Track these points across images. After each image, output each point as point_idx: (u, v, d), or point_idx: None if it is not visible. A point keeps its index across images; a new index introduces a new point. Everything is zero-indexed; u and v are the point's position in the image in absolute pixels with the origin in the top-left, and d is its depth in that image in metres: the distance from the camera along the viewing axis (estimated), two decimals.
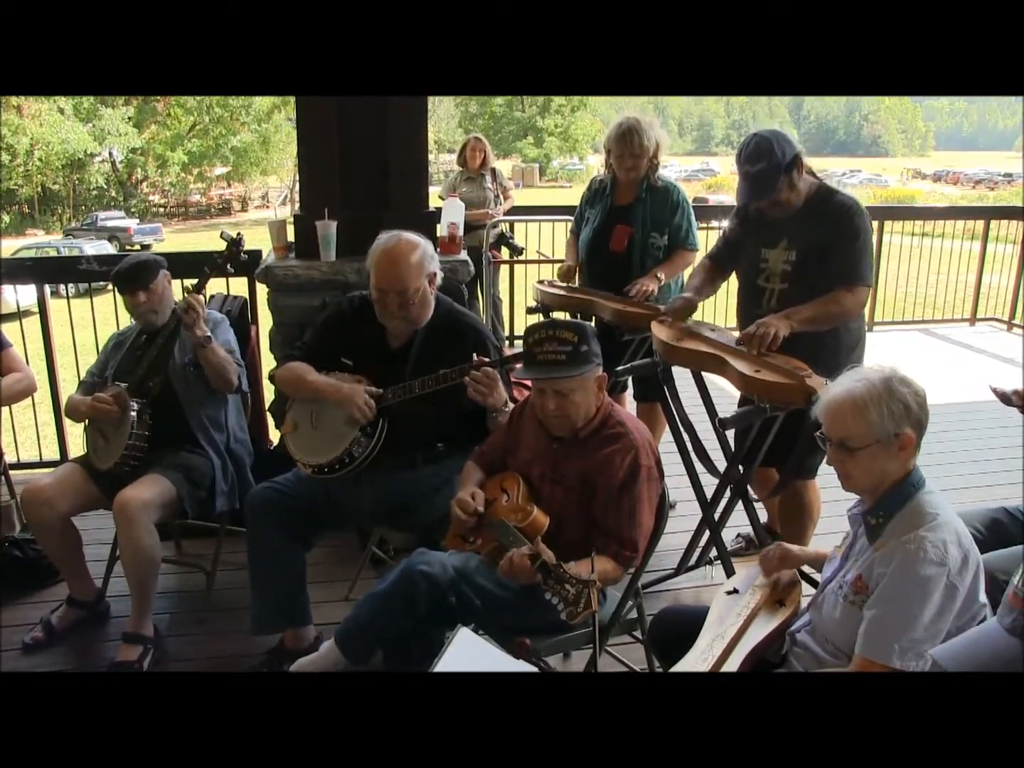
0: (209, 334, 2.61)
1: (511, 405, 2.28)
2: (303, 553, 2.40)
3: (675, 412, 2.72)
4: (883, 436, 1.55)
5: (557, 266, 4.33)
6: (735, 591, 1.88)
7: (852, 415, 1.56)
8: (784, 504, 2.78)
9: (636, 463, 1.97)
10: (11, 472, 3.29)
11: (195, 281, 2.70)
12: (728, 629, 1.73)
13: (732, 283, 2.89)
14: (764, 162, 2.42)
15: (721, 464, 2.66)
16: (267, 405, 2.97)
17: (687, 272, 3.16)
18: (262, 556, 2.35)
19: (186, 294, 2.62)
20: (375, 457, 2.31)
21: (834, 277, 2.46)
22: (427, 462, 2.40)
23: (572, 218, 3.44)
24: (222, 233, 2.80)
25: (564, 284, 3.31)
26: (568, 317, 3.02)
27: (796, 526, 2.73)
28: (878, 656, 1.47)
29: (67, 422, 3.22)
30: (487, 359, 2.25)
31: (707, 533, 2.71)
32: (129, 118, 29.79)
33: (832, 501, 2.66)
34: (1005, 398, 2.28)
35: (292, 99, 8.61)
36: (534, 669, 1.51)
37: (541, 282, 3.46)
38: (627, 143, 3.03)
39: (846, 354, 2.57)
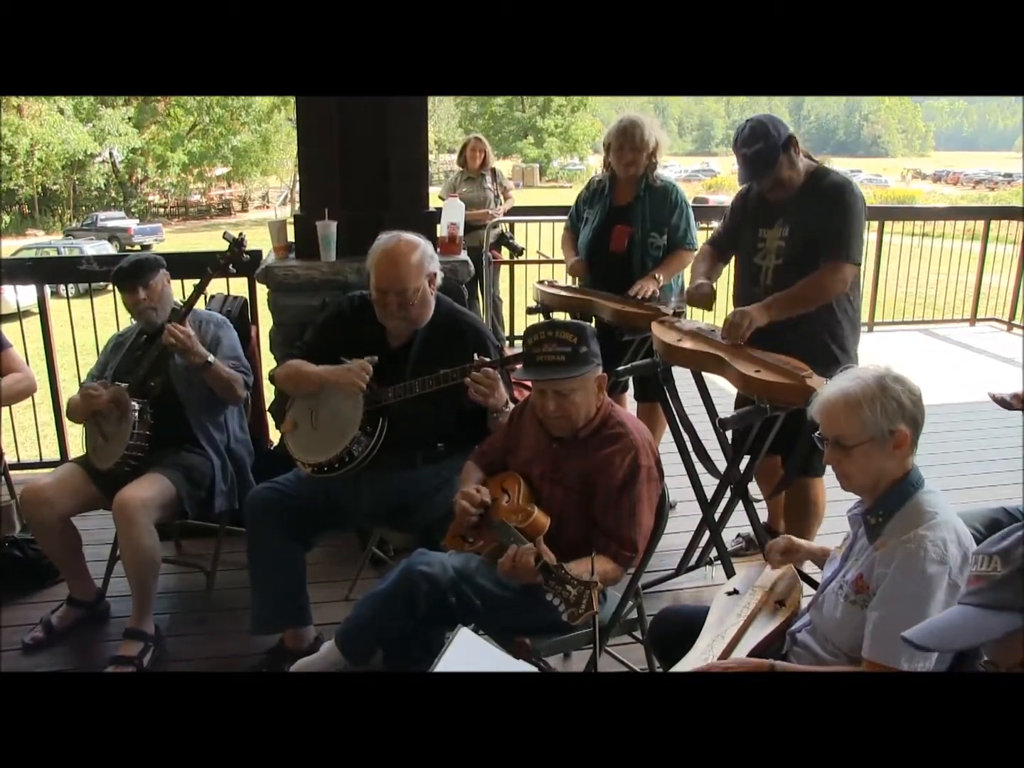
0: (209, 358, 2.58)
1: (511, 405, 2.28)
2: (303, 553, 2.40)
3: (675, 412, 2.72)
4: (877, 434, 1.55)
5: (558, 266, 4.30)
6: (735, 592, 1.88)
7: (845, 413, 1.57)
8: (791, 500, 2.79)
9: (636, 463, 1.97)
10: (11, 472, 3.29)
11: (197, 281, 2.71)
12: (728, 629, 1.73)
13: (730, 282, 2.89)
14: (761, 142, 2.48)
15: (721, 464, 2.66)
16: (267, 405, 2.97)
17: (686, 272, 3.16)
18: (262, 556, 2.35)
19: (168, 325, 2.55)
20: (375, 456, 2.31)
21: (823, 253, 2.50)
22: (427, 462, 2.40)
23: None
24: (224, 234, 2.81)
25: (567, 284, 3.31)
26: (568, 317, 3.02)
27: (802, 523, 2.73)
28: (886, 659, 1.46)
29: (67, 422, 3.22)
30: (487, 359, 2.25)
31: (707, 533, 2.70)
32: (129, 118, 29.76)
33: (833, 501, 2.66)
34: (1004, 403, 2.28)
35: (292, 99, 8.62)
36: (534, 669, 1.52)
37: (541, 282, 3.46)
38: (627, 136, 3.04)
39: (849, 325, 2.61)
